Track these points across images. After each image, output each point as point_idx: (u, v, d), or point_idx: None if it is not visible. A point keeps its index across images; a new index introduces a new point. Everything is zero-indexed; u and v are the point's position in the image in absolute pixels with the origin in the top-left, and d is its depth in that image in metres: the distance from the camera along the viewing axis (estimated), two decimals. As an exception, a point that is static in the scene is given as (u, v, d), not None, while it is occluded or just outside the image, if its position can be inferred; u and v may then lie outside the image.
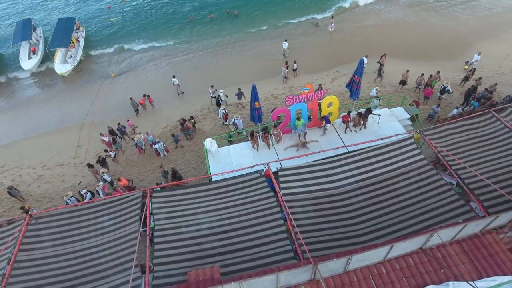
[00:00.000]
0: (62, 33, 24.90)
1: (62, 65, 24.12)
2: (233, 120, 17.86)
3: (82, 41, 26.42)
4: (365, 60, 21.85)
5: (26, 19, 27.29)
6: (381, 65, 21.41)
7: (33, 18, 28.67)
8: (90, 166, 16.60)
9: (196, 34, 27.13)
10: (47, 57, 25.26)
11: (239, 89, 19.93)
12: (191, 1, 30.32)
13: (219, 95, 19.73)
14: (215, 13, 28.68)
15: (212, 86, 20.61)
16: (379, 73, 21.45)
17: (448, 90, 18.69)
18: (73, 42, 25.34)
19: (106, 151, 17.82)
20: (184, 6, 29.89)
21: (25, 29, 25.65)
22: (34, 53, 25.32)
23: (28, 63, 24.68)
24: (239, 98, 20.07)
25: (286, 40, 24.50)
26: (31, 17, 27.85)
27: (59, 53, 24.70)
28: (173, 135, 18.20)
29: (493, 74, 21.13)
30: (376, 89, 19.18)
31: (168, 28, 28.15)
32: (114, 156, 17.72)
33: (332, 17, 26.92)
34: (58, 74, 24.13)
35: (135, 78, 24.34)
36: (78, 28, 26.85)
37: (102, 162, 16.99)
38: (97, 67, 25.56)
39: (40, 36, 26.64)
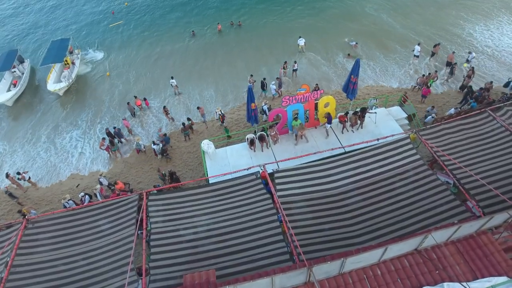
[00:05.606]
0: (56, 51, 23.84)
1: (55, 84, 22.78)
2: (262, 107, 18.48)
3: (78, 62, 25.25)
4: (418, 48, 21.93)
5: (12, 49, 25.69)
6: (433, 54, 21.79)
7: (37, 43, 27.79)
8: (7, 176, 16.77)
9: (198, 42, 26.96)
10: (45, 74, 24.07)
11: (277, 78, 20.83)
12: (192, 14, 30.17)
13: (264, 78, 20.88)
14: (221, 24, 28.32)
15: (251, 75, 21.44)
16: (451, 71, 20.28)
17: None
18: (67, 63, 24.19)
19: (18, 173, 17.01)
20: (186, 17, 29.69)
21: (8, 59, 24.00)
22: (15, 86, 23.34)
23: (3, 96, 22.53)
24: (280, 86, 20.90)
25: (300, 37, 24.00)
26: (18, 48, 26.30)
27: (53, 73, 23.45)
28: (164, 134, 18.20)
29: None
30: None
31: (169, 36, 27.99)
32: (29, 179, 17.35)
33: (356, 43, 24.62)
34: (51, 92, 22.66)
35: (133, 81, 24.27)
36: (73, 52, 25.79)
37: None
38: (96, 75, 25.14)
39: (26, 69, 24.85)
